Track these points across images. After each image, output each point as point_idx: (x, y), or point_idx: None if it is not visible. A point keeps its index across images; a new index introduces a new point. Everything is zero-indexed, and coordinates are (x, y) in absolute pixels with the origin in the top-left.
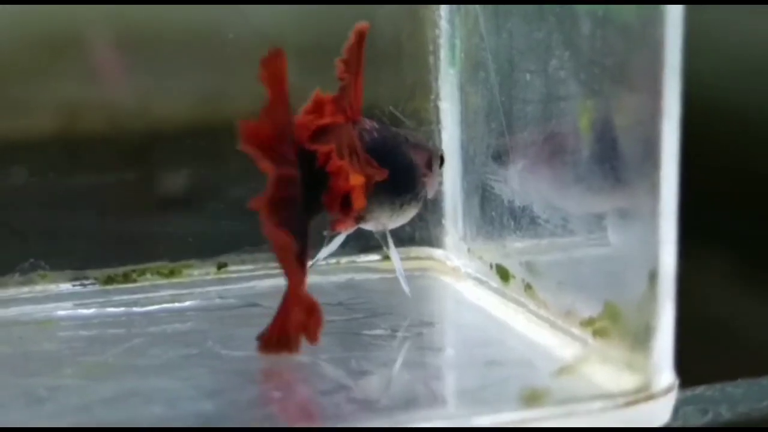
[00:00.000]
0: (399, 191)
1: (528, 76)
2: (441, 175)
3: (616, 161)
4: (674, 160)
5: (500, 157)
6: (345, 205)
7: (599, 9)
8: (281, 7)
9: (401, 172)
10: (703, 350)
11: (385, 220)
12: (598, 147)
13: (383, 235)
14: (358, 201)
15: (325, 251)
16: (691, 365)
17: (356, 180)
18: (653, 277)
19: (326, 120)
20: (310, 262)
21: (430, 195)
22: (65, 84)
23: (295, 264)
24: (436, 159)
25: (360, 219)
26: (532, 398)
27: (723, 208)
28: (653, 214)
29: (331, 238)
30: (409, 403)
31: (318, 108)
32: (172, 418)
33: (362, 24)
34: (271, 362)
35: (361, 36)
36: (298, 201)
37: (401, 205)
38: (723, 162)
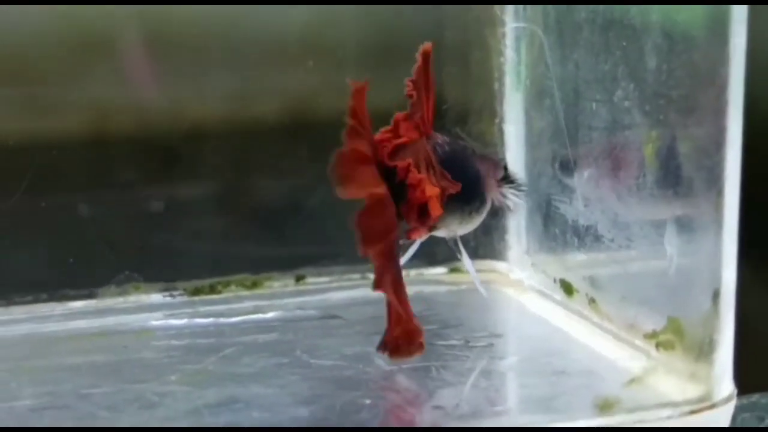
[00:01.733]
0: (468, 200)
1: (593, 105)
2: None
3: (679, 187)
4: (736, 187)
5: (566, 167)
6: (422, 214)
7: (665, 45)
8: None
9: (470, 181)
10: (753, 359)
11: (455, 227)
12: (662, 174)
13: (454, 242)
14: (435, 210)
15: (402, 259)
16: (746, 374)
17: (432, 191)
18: (716, 295)
19: (403, 139)
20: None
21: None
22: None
23: (400, 281)
24: (500, 169)
25: (432, 227)
26: (605, 407)
27: None
28: (716, 236)
29: (407, 246)
30: (489, 410)
31: (395, 127)
32: (272, 424)
33: (427, 44)
34: (358, 371)
35: (426, 56)
36: (391, 216)
37: (470, 213)
38: None
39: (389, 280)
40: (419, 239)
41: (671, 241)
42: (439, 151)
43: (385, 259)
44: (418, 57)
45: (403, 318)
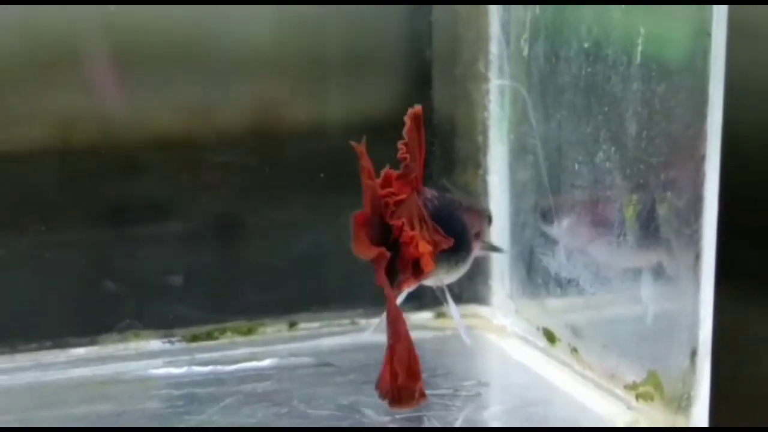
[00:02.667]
0: (456, 251)
1: (576, 165)
2: (489, 233)
3: (659, 248)
4: (712, 250)
5: (546, 216)
6: (415, 268)
7: (645, 111)
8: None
9: (458, 233)
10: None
11: (442, 277)
12: (642, 234)
13: (441, 291)
14: (428, 266)
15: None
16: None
17: (425, 248)
18: (694, 354)
19: (402, 197)
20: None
21: (480, 253)
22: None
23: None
24: (485, 219)
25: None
26: None
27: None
28: (694, 296)
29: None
30: None
31: (386, 183)
32: None
33: (416, 108)
34: (353, 422)
35: (416, 119)
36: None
37: (457, 263)
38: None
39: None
40: (408, 289)
41: (647, 292)
42: (429, 206)
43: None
44: (407, 120)
45: (405, 365)
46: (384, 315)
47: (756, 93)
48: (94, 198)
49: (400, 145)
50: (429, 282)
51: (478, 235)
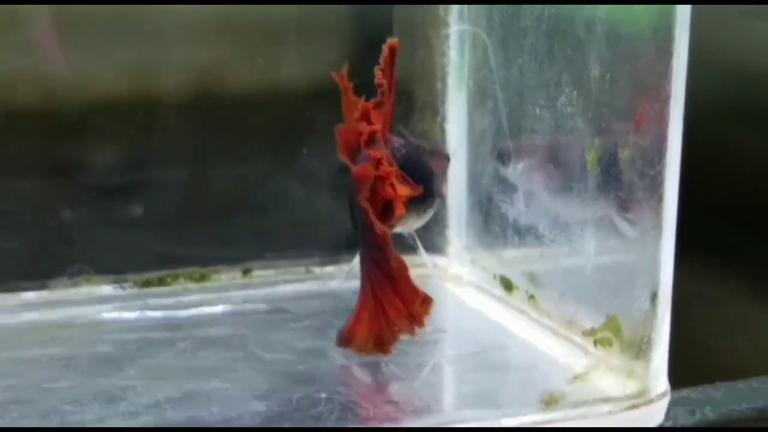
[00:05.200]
0: (424, 198)
1: (537, 110)
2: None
3: (621, 191)
4: (675, 194)
5: (502, 157)
6: (385, 212)
7: (609, 54)
8: None
9: (425, 181)
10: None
11: (411, 224)
12: (603, 179)
13: (412, 237)
14: (399, 209)
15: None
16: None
17: (403, 191)
18: (655, 296)
19: (378, 126)
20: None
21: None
22: None
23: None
24: (446, 161)
25: (391, 225)
26: (550, 401)
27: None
28: (656, 240)
29: None
30: (440, 404)
31: (365, 117)
32: (231, 418)
33: (393, 40)
34: (311, 366)
35: (392, 51)
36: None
37: (425, 210)
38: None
39: None
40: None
41: (606, 238)
42: (397, 155)
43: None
44: (385, 49)
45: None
46: (356, 260)
47: (721, 32)
48: (43, 154)
49: (376, 70)
50: (398, 229)
51: (441, 179)
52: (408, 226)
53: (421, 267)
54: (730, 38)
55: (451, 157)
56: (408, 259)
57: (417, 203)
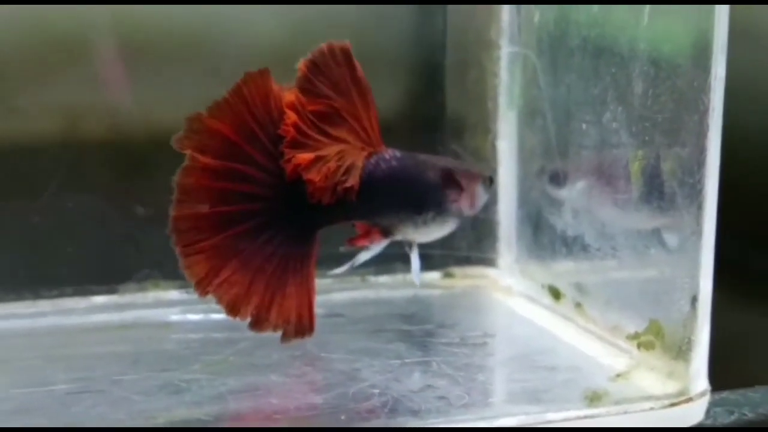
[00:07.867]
0: (420, 210)
1: (583, 126)
2: (486, 195)
3: (662, 202)
4: (714, 202)
5: (556, 179)
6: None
7: (651, 72)
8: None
9: (422, 193)
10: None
11: (411, 234)
12: (647, 189)
13: (409, 245)
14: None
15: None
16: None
17: (304, 157)
18: (695, 300)
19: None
20: (344, 268)
21: (469, 213)
22: None
23: None
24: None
25: (388, 233)
26: (594, 398)
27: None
28: (696, 246)
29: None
30: (490, 401)
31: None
32: (291, 410)
33: (345, 42)
34: (365, 364)
35: (345, 53)
36: None
37: (425, 222)
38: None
39: None
40: (376, 245)
41: (650, 246)
42: (384, 166)
43: None
44: (336, 51)
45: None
46: (354, 260)
47: (760, 47)
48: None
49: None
50: (399, 238)
51: (467, 199)
52: (407, 235)
53: (471, 278)
54: None
55: (492, 178)
56: (459, 270)
57: (411, 214)
